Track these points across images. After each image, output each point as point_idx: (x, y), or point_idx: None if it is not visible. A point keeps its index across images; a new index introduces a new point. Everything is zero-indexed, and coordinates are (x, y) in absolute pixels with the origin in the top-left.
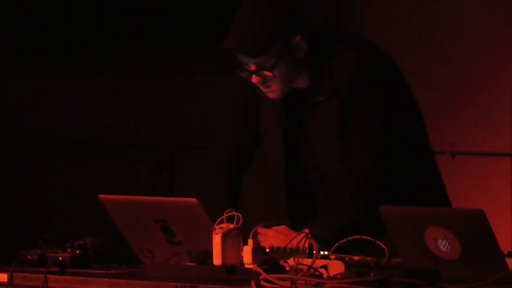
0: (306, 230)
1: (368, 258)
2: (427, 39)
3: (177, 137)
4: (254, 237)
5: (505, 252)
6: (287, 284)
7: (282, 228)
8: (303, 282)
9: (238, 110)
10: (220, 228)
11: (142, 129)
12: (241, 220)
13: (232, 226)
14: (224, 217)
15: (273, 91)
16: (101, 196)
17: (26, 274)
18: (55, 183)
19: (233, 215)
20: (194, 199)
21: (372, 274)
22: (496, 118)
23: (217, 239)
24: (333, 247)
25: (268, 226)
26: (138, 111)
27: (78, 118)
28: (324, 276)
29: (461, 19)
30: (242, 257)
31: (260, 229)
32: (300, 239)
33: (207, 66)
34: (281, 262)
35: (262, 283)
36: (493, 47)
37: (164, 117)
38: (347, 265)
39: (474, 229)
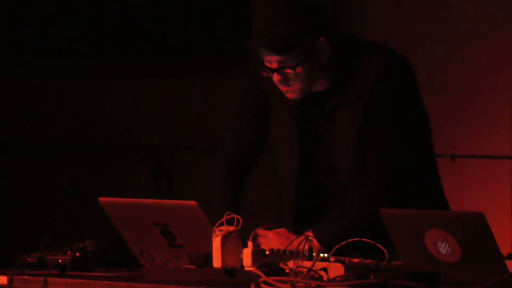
0: (309, 233)
1: (368, 261)
2: (427, 42)
3: (177, 140)
4: (254, 240)
5: (505, 254)
6: (287, 286)
7: (282, 230)
8: (303, 284)
9: (244, 114)
10: (220, 230)
11: (142, 131)
12: (240, 223)
13: (232, 228)
14: (224, 219)
15: (293, 90)
16: (101, 198)
17: (26, 276)
18: (55, 185)
19: (233, 218)
20: (194, 202)
21: (372, 276)
22: (496, 120)
23: (217, 242)
24: (333, 249)
25: (269, 228)
26: (138, 113)
27: (78, 120)
28: (324, 279)
29: (460, 22)
30: (242, 259)
31: (260, 231)
32: (300, 242)
33: (207, 69)
34: (281, 265)
35: (262, 285)
36: (493, 49)
37: (164, 119)
38: (347, 268)
39: (474, 231)
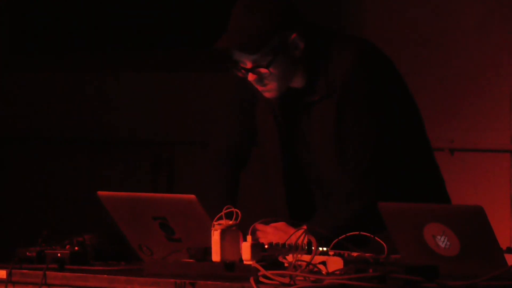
0: (305, 227)
1: (367, 254)
2: (426, 37)
3: (176, 134)
4: (253, 234)
5: (504, 248)
6: (286, 280)
7: (281, 224)
8: (302, 278)
9: (235, 108)
10: (219, 224)
11: (142, 126)
12: (239, 217)
13: (231, 222)
14: (223, 213)
15: (269, 89)
16: (99, 192)
17: (25, 270)
18: (53, 180)
19: (232, 212)
20: (192, 196)
21: (370, 270)
22: (495, 114)
23: (216, 236)
24: (332, 243)
25: (267, 223)
26: (137, 107)
27: (77, 115)
28: (323, 272)
29: (459, 16)
30: (241, 253)
31: (259, 226)
32: (298, 235)
33: (206, 63)
34: (280, 259)
35: (261, 279)
36: (492, 43)
37: (163, 114)
38: (346, 261)
39: (473, 225)
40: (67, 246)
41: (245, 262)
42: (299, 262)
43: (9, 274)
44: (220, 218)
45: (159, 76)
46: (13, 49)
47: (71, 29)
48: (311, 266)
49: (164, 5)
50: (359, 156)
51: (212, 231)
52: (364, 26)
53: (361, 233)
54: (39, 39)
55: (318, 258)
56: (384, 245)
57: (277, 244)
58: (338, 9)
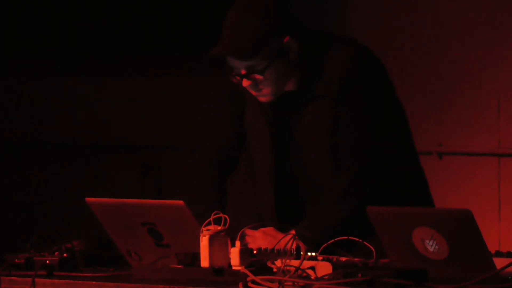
0: (293, 231)
1: (356, 259)
2: (413, 40)
3: (164, 139)
4: (242, 239)
5: (493, 252)
6: (275, 285)
7: (269, 229)
8: (291, 283)
9: (223, 112)
10: (207, 230)
11: (129, 131)
12: (228, 222)
13: (219, 228)
14: (211, 219)
15: (264, 94)
16: (88, 199)
17: (13, 277)
18: (42, 186)
19: (220, 217)
20: (181, 202)
21: (359, 274)
22: (483, 118)
23: (204, 241)
24: (321, 248)
25: (256, 228)
26: (125, 113)
27: (65, 120)
28: (312, 277)
29: (447, 19)
30: (229, 259)
31: (248, 231)
32: (287, 240)
33: (194, 68)
34: (269, 264)
35: (250, 284)
36: (480, 47)
37: (151, 119)
38: (335, 266)
39: (462, 229)
40: (56, 253)
41: (233, 268)
42: (288, 267)
43: None
44: (209, 224)
45: (147, 82)
46: (1, 54)
47: (60, 35)
48: (300, 271)
49: (152, 11)
50: (353, 156)
51: (201, 237)
52: (349, 28)
53: (350, 237)
54: (28, 44)
55: (307, 263)
56: (373, 249)
57: (265, 249)
58: (323, 9)
